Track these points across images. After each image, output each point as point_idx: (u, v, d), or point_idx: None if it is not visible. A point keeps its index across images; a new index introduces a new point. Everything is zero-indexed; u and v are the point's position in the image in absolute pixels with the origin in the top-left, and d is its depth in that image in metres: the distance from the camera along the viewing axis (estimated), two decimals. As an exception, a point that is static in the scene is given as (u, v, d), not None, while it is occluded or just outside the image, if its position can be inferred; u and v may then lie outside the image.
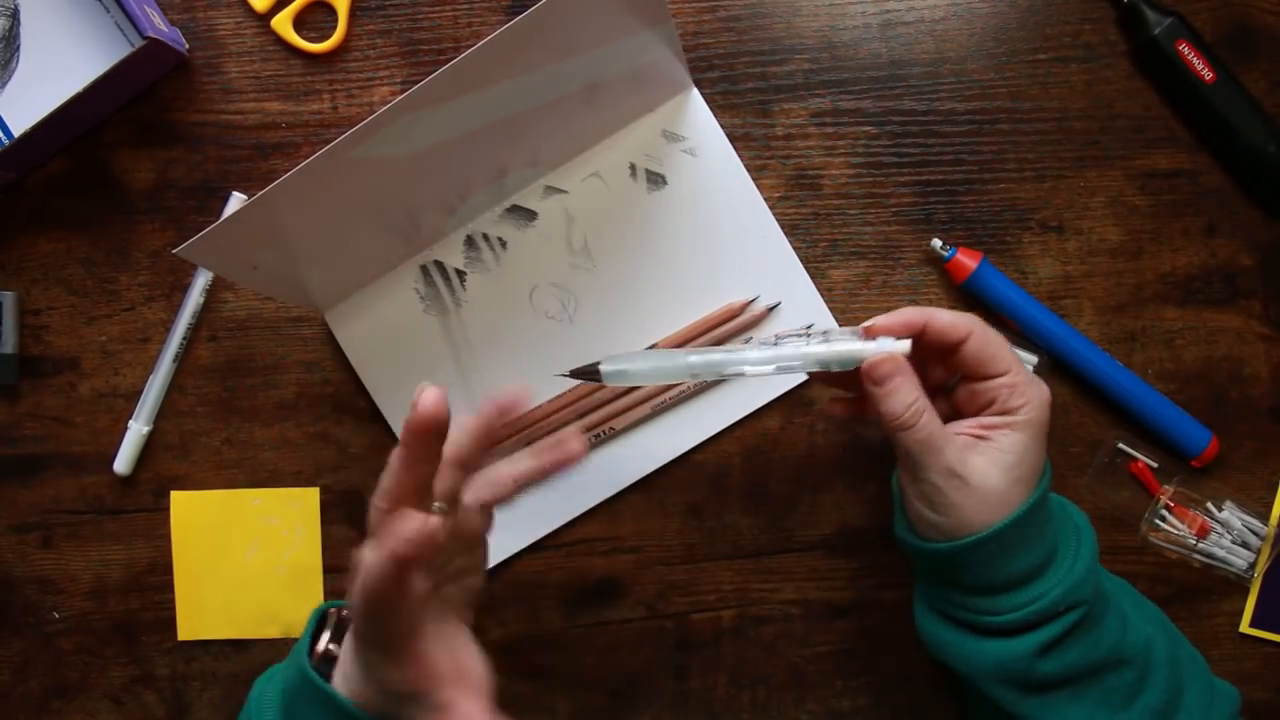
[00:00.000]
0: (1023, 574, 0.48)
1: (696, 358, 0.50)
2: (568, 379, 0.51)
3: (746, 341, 0.53)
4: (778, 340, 0.50)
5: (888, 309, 0.62)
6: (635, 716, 0.64)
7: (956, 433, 0.49)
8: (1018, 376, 0.49)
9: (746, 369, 0.50)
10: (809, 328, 0.52)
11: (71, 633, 0.65)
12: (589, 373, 0.50)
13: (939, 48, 0.62)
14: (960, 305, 0.63)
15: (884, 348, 0.48)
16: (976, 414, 0.50)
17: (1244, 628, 0.63)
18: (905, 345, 0.48)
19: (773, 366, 0.50)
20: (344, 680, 0.48)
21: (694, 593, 0.64)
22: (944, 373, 0.52)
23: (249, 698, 0.51)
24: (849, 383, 0.52)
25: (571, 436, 0.51)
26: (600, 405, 0.62)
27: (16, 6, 0.62)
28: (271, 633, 0.64)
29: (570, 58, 0.52)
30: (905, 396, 0.48)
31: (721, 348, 0.51)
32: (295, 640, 0.54)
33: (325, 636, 0.50)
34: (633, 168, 0.63)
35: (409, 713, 0.46)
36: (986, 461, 0.48)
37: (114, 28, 0.62)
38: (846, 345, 0.49)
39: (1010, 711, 0.50)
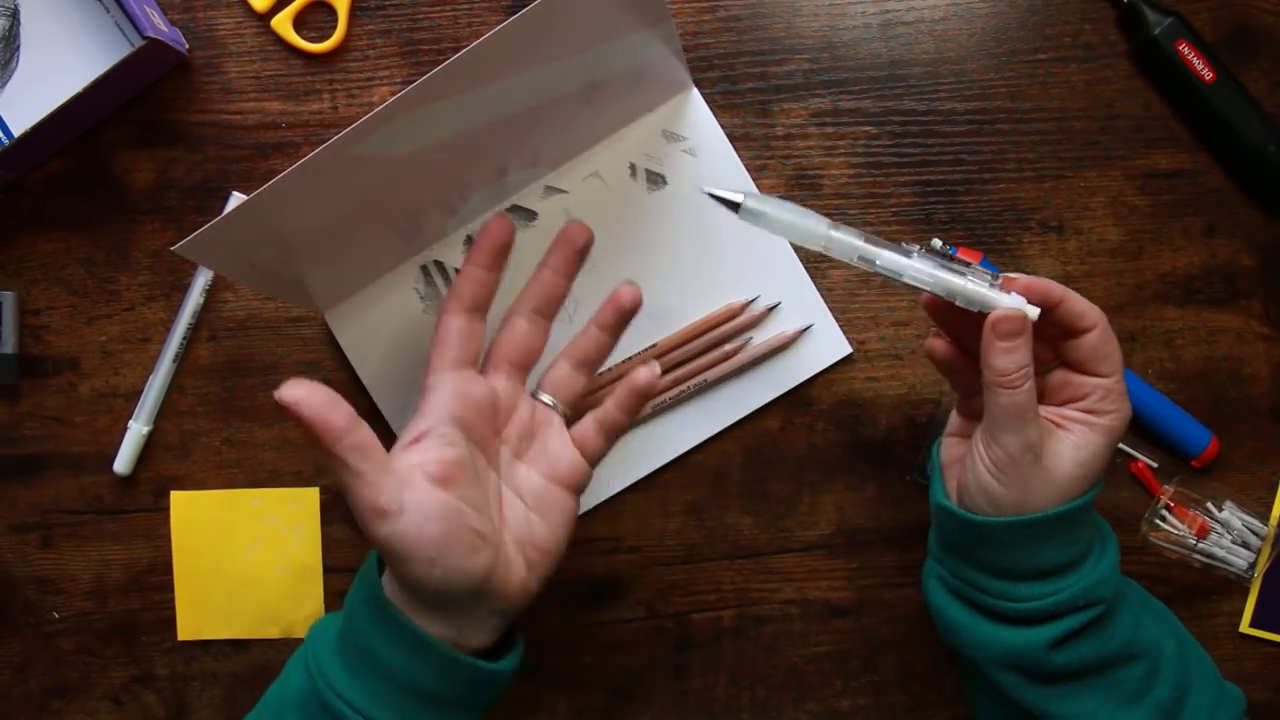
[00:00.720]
0: (1053, 566, 0.49)
1: (837, 232, 0.49)
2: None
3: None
4: (916, 252, 0.49)
5: (888, 309, 0.62)
6: (635, 716, 0.64)
7: (1043, 414, 0.49)
8: (1119, 384, 0.49)
9: (878, 263, 0.49)
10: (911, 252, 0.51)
11: (71, 633, 0.65)
12: (729, 202, 0.49)
13: (939, 48, 0.62)
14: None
15: (1016, 304, 0.48)
16: (1063, 404, 0.50)
17: (1244, 628, 0.63)
18: (1035, 311, 0.48)
19: (906, 275, 0.49)
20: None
21: (694, 593, 0.64)
22: (1048, 355, 0.51)
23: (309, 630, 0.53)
24: (957, 326, 0.52)
25: (640, 369, 0.53)
26: (600, 406, 0.62)
27: (16, 6, 0.62)
28: (271, 633, 0.64)
29: (570, 57, 0.52)
30: (1021, 357, 0.47)
31: (865, 235, 0.50)
32: (295, 641, 0.54)
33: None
34: (633, 168, 0.63)
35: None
36: (1063, 448, 0.48)
37: (114, 28, 0.62)
38: (981, 289, 0.48)
39: (1014, 697, 0.50)
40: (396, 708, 0.49)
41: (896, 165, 0.62)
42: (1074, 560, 0.49)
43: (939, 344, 0.53)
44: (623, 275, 0.63)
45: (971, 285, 0.48)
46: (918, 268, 0.49)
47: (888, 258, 0.49)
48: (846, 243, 0.49)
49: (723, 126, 0.62)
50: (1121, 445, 0.62)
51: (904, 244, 0.49)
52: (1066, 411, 0.50)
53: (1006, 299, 0.48)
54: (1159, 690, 0.50)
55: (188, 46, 0.63)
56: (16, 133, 0.60)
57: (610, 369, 0.63)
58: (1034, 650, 0.49)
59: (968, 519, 0.50)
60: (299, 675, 0.51)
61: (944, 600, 0.52)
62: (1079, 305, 0.48)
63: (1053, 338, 0.50)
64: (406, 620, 0.48)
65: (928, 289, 0.49)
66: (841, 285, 0.63)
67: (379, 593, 0.49)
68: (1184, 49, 0.60)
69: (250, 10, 0.62)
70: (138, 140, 0.63)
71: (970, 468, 0.50)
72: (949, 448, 0.53)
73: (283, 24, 0.62)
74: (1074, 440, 0.49)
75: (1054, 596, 0.48)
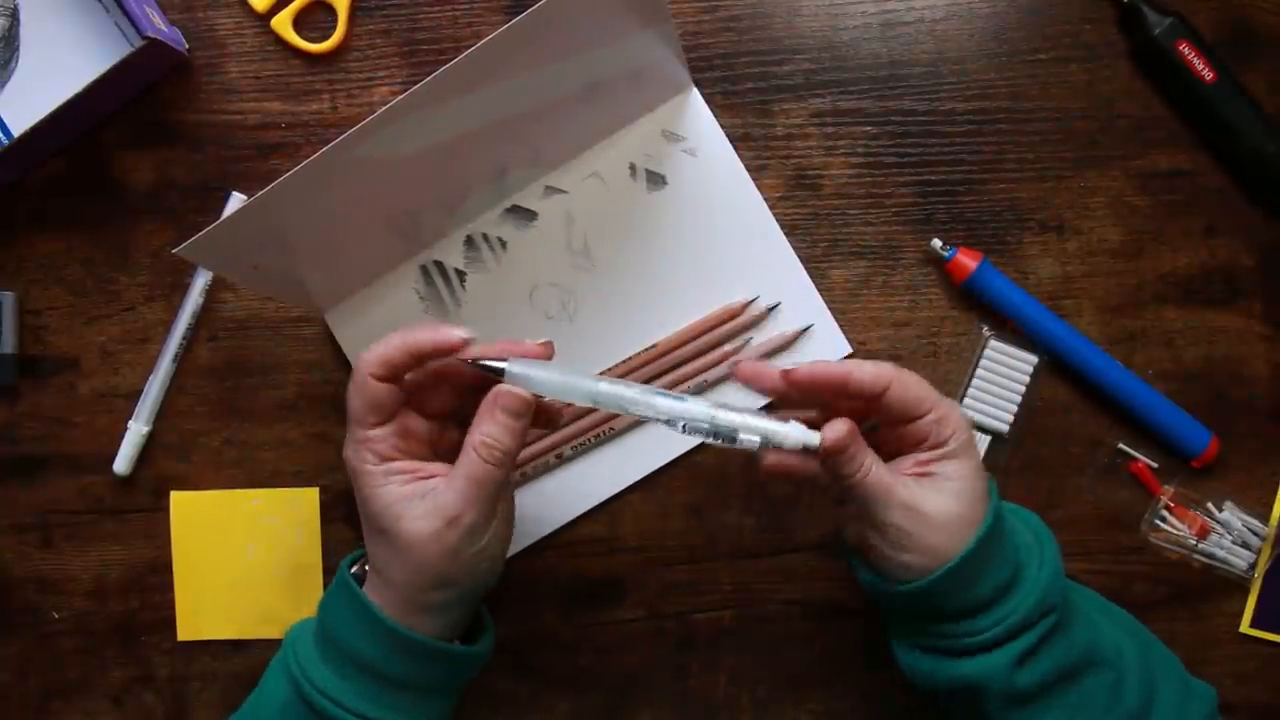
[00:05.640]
0: (996, 590, 0.49)
1: (606, 385, 0.50)
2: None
3: (740, 344, 0.52)
4: (691, 398, 0.49)
5: (888, 309, 0.62)
6: (635, 717, 0.64)
7: (902, 473, 0.50)
8: (941, 409, 0.50)
9: (650, 414, 0.49)
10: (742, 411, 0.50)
11: (71, 633, 0.65)
12: (494, 370, 0.50)
13: (939, 48, 0.62)
14: (960, 305, 0.63)
15: (796, 434, 0.48)
16: (912, 451, 0.50)
17: (1244, 628, 0.63)
18: (815, 438, 0.48)
19: (680, 424, 0.49)
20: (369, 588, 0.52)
21: (694, 593, 0.64)
22: (865, 412, 0.51)
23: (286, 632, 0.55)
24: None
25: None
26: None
27: (16, 6, 0.62)
28: (271, 633, 0.64)
29: (570, 58, 0.52)
30: (852, 455, 0.48)
31: (639, 386, 0.50)
32: (285, 634, 0.55)
33: (361, 562, 0.55)
34: (633, 168, 0.63)
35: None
36: (938, 493, 0.49)
37: (114, 28, 0.62)
38: (763, 424, 0.48)
39: None
40: (382, 701, 0.51)
41: (896, 165, 0.62)
42: (1013, 577, 0.49)
43: (774, 469, 0.52)
44: (622, 275, 0.63)
45: (753, 421, 0.48)
46: (691, 412, 0.49)
47: (660, 405, 0.49)
48: (615, 396, 0.49)
49: (723, 126, 0.62)
50: (1122, 445, 0.62)
51: (680, 393, 0.50)
52: (920, 456, 0.50)
53: (792, 432, 0.48)
54: (1127, 699, 0.50)
55: (188, 46, 0.63)
56: (16, 133, 0.60)
57: (610, 369, 0.63)
58: (1000, 672, 0.49)
59: (902, 591, 0.50)
60: (279, 682, 0.52)
61: (912, 657, 0.52)
62: (865, 375, 0.49)
63: (862, 404, 0.50)
64: (394, 624, 0.50)
65: (706, 433, 0.49)
66: (841, 285, 0.63)
67: (362, 600, 0.51)
68: (1184, 49, 0.60)
69: (250, 10, 0.62)
70: (138, 140, 0.63)
71: (877, 552, 0.50)
72: (853, 532, 0.53)
73: (283, 24, 0.62)
74: (942, 479, 0.49)
75: (1009, 618, 0.48)
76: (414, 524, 0.49)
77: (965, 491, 0.49)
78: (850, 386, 0.49)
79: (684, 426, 0.49)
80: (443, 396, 0.53)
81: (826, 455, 0.48)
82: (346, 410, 0.51)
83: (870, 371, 0.49)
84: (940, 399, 0.50)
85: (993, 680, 0.49)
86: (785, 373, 0.50)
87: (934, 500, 0.49)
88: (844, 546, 0.54)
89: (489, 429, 0.49)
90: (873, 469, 0.49)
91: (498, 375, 0.50)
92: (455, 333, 0.50)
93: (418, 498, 0.50)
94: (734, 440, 0.49)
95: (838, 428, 0.48)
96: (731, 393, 0.63)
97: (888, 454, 0.51)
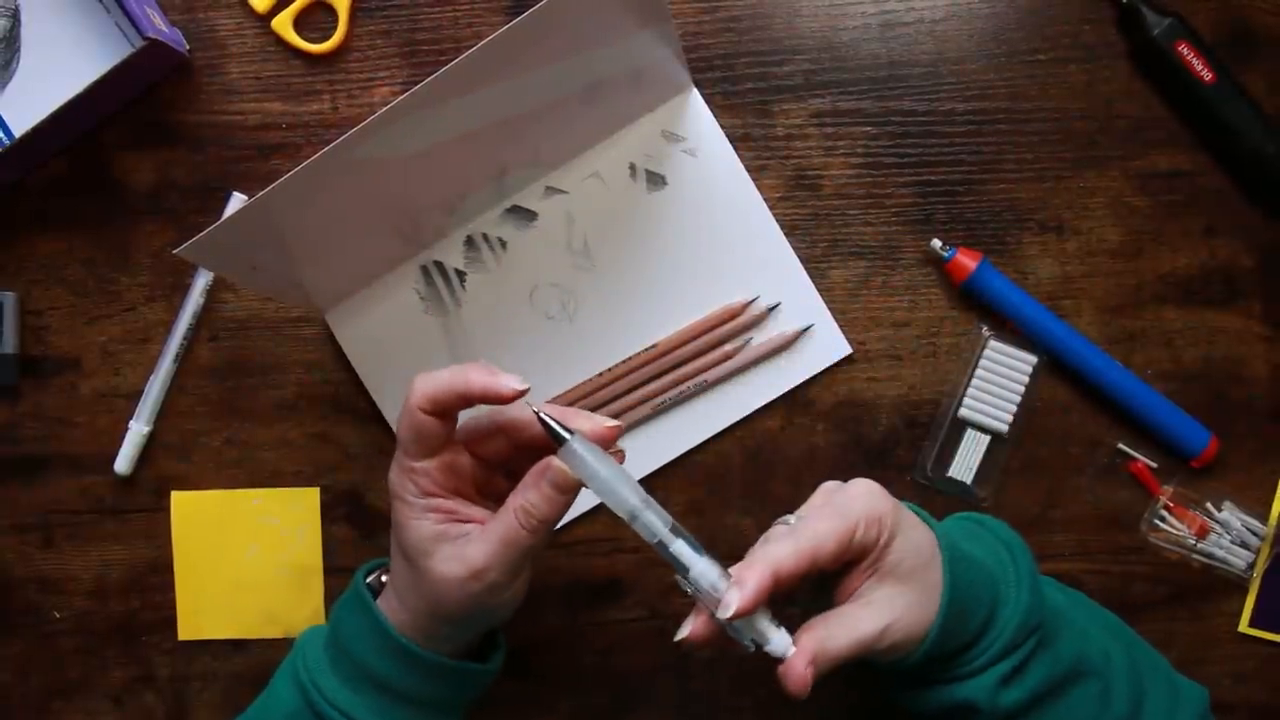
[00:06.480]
0: (978, 627, 0.48)
1: (643, 513, 0.48)
2: (566, 378, 0.50)
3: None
4: (707, 559, 0.48)
5: (888, 309, 0.63)
6: (635, 717, 0.64)
7: (858, 608, 0.47)
8: (859, 527, 0.47)
9: (678, 561, 0.48)
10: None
11: (72, 633, 0.65)
12: (556, 435, 0.47)
13: (939, 48, 0.62)
14: (960, 305, 0.63)
15: (782, 642, 0.46)
16: (851, 580, 0.48)
17: (1243, 628, 0.63)
18: (787, 641, 0.46)
19: (690, 586, 0.47)
20: (384, 601, 0.52)
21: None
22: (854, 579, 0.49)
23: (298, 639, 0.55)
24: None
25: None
26: (600, 406, 0.62)
27: (17, 7, 0.62)
28: (272, 633, 0.64)
29: (570, 58, 0.52)
30: (836, 653, 0.46)
31: (671, 524, 0.48)
32: (296, 641, 0.55)
33: (378, 573, 0.55)
34: (633, 168, 0.63)
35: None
36: (888, 606, 0.47)
37: (114, 28, 0.62)
38: (760, 623, 0.47)
39: None
40: (392, 715, 0.51)
41: (896, 165, 0.63)
42: (991, 609, 0.48)
43: (699, 635, 0.48)
44: (622, 275, 0.63)
45: (757, 621, 0.47)
46: (705, 585, 0.47)
47: (687, 556, 0.47)
48: (646, 525, 0.48)
49: (723, 126, 0.62)
50: (1121, 445, 0.62)
51: (706, 553, 0.48)
52: (852, 585, 0.48)
53: (780, 642, 0.46)
54: (1115, 707, 0.50)
55: (188, 47, 0.63)
56: (17, 133, 0.60)
57: (610, 369, 0.63)
58: (985, 694, 0.48)
59: (906, 665, 0.48)
60: (288, 688, 0.52)
61: (896, 691, 0.52)
62: (799, 564, 0.46)
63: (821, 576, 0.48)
64: (408, 642, 0.50)
65: (703, 598, 0.47)
66: (841, 285, 0.63)
67: (376, 614, 0.51)
68: (1183, 50, 0.60)
69: (251, 11, 0.62)
70: (138, 141, 0.63)
71: (879, 657, 0.48)
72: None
73: (283, 24, 0.62)
74: (885, 591, 0.47)
75: (992, 647, 0.48)
76: (441, 565, 0.48)
77: (909, 573, 0.47)
78: (816, 568, 0.47)
79: (693, 589, 0.47)
80: (497, 444, 0.52)
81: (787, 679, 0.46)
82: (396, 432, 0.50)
83: (796, 562, 0.46)
84: (851, 511, 0.47)
85: (978, 703, 0.48)
86: (736, 611, 0.46)
87: (888, 614, 0.47)
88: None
89: (533, 497, 0.48)
90: (858, 644, 0.46)
91: (558, 441, 0.48)
92: (509, 383, 0.48)
93: (449, 540, 0.49)
94: (728, 627, 0.47)
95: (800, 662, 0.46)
96: (734, 389, 0.63)
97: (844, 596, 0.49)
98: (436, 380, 0.48)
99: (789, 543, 0.46)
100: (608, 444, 0.49)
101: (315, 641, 0.53)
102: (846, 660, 0.46)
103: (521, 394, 0.48)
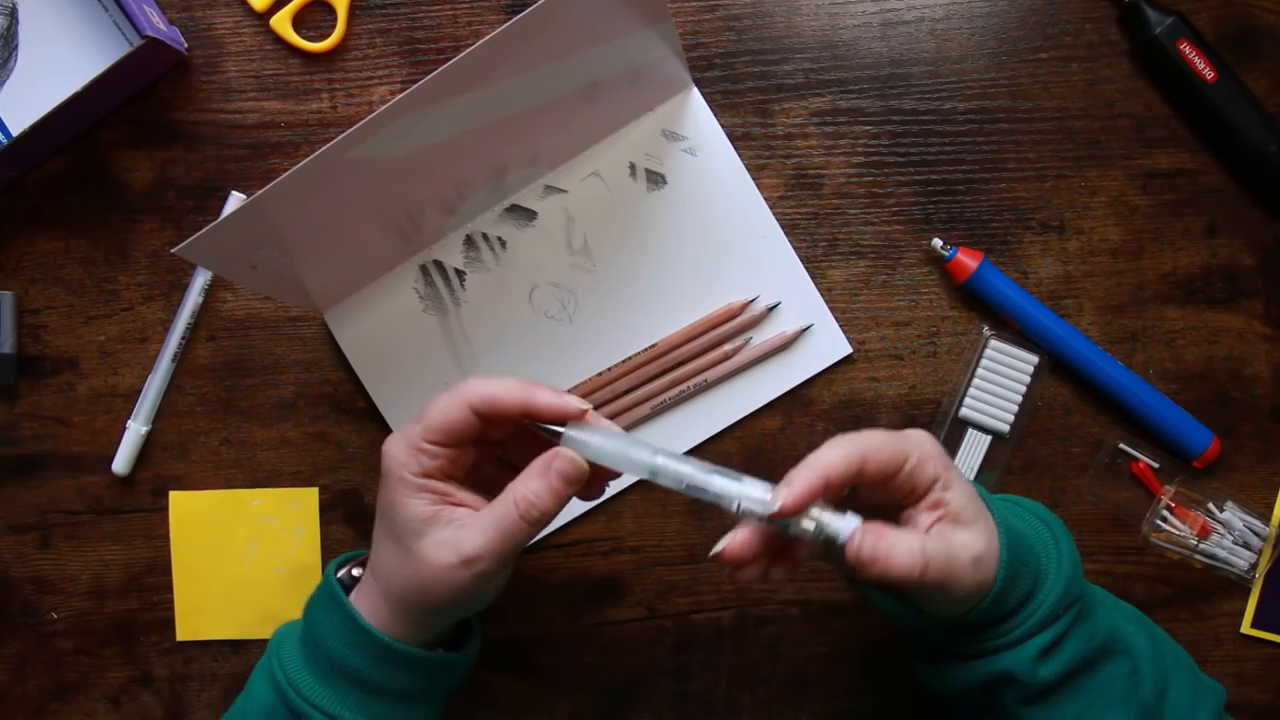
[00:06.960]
0: (1022, 596, 0.49)
1: (663, 460, 0.48)
2: (566, 378, 0.50)
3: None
4: (748, 478, 0.47)
5: (888, 309, 0.62)
6: (635, 717, 0.64)
7: (927, 529, 0.47)
8: (913, 454, 0.47)
9: (710, 491, 0.47)
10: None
11: (70, 633, 0.65)
12: (551, 434, 0.48)
13: (939, 47, 0.62)
14: (961, 305, 0.62)
15: (849, 525, 0.46)
16: (894, 496, 0.48)
17: (1245, 628, 0.63)
18: (855, 523, 0.46)
19: (735, 503, 0.47)
20: (358, 596, 0.52)
21: (694, 593, 0.64)
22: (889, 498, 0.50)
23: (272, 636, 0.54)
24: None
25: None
26: (600, 406, 0.62)
27: (15, 5, 0.62)
28: (270, 633, 0.64)
29: (570, 57, 0.52)
30: (904, 557, 0.46)
31: (695, 462, 0.48)
32: (270, 638, 0.55)
33: (349, 566, 0.54)
34: (633, 167, 0.63)
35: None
36: (955, 554, 0.47)
37: (112, 27, 0.62)
38: (819, 513, 0.46)
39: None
40: (367, 708, 0.50)
41: (896, 165, 0.62)
42: (1038, 569, 0.49)
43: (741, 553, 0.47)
44: (622, 275, 0.63)
45: (814, 511, 0.46)
46: (748, 494, 0.47)
47: (717, 484, 0.47)
48: (673, 473, 0.48)
49: (723, 126, 0.62)
50: (1123, 445, 0.62)
51: (736, 472, 0.47)
52: (920, 520, 0.48)
53: (845, 527, 0.46)
54: (1144, 689, 0.50)
55: (186, 46, 0.63)
56: (15, 132, 0.60)
57: (610, 369, 0.62)
58: (1023, 666, 0.48)
59: (957, 622, 0.49)
60: (263, 687, 0.52)
61: (931, 663, 0.52)
62: (881, 459, 0.46)
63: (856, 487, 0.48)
64: (380, 635, 0.50)
65: (759, 515, 0.46)
66: (841, 285, 0.63)
67: (347, 608, 0.51)
68: (1185, 48, 0.60)
69: (249, 9, 0.62)
70: (137, 140, 0.63)
71: (924, 600, 0.48)
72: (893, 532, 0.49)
73: (282, 23, 0.62)
74: (952, 533, 0.47)
75: (1034, 616, 0.48)
76: (432, 549, 0.48)
77: (979, 535, 0.47)
78: (867, 472, 0.46)
79: (738, 507, 0.47)
80: (505, 429, 0.51)
81: (861, 568, 0.46)
82: (422, 408, 0.49)
83: (886, 456, 0.47)
84: (908, 440, 0.48)
85: (1015, 674, 0.48)
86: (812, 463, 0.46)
87: (954, 563, 0.46)
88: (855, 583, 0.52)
89: (537, 487, 0.48)
90: (931, 565, 0.46)
91: (553, 438, 0.48)
92: (576, 404, 0.48)
93: (442, 523, 0.48)
94: (786, 527, 0.46)
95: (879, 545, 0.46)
96: (734, 389, 0.62)
97: (871, 505, 0.49)
98: (501, 387, 0.48)
99: (840, 447, 0.46)
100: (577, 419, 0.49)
101: (289, 637, 0.53)
102: (927, 571, 0.45)
103: (584, 413, 0.48)
